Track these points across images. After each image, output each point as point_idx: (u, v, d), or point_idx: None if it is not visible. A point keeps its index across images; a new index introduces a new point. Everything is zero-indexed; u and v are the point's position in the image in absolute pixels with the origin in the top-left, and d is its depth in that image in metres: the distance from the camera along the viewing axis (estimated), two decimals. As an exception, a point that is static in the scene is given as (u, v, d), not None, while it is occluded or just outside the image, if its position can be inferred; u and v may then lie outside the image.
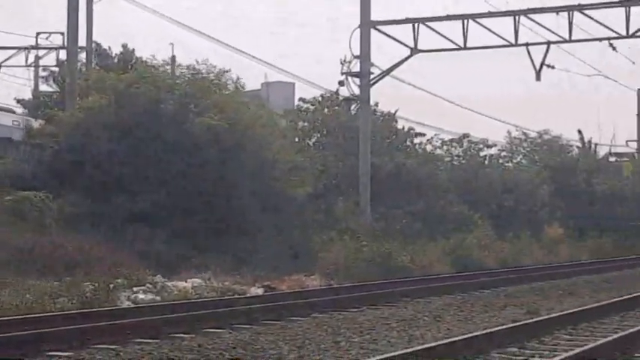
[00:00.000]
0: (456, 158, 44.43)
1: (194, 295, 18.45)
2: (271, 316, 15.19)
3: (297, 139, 34.02)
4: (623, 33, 30.13)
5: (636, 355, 11.72)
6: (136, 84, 24.55)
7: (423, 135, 43.13)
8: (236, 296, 18.42)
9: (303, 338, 12.60)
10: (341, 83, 31.86)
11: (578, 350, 11.02)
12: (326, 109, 37.95)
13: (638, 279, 26.43)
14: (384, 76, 31.84)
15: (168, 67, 29.34)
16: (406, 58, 31.80)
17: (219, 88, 26.67)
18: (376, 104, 37.17)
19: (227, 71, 27.42)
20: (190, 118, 24.42)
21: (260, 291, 19.82)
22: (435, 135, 44.70)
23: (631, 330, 13.47)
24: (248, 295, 19.00)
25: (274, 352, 11.36)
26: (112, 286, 17.21)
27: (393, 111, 40.36)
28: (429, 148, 43.27)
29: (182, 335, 12.89)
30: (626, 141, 55.60)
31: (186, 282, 19.74)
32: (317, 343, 12.13)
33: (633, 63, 45.96)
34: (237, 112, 25.64)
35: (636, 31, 29.98)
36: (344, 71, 31.31)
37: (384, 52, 34.47)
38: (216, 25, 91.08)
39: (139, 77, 25.06)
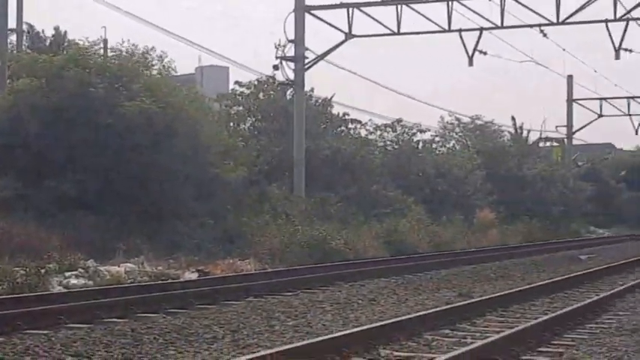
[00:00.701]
0: (389, 143, 44.73)
1: (127, 280, 18.30)
2: (205, 301, 15.14)
3: (231, 124, 33.90)
4: (554, 20, 30.58)
5: (565, 336, 11.95)
6: (67, 67, 24.19)
7: (359, 122, 43.38)
8: (170, 281, 18.31)
9: (237, 322, 12.59)
10: (276, 67, 31.82)
11: (508, 332, 11.20)
12: (261, 94, 37.86)
13: (566, 261, 26.92)
14: (318, 61, 31.89)
15: (101, 49, 28.93)
16: (340, 43, 31.90)
17: (146, 67, 26.37)
18: (311, 90, 37.22)
19: (151, 49, 27.07)
20: (122, 101, 24.16)
21: (194, 275, 19.73)
22: (370, 120, 44.96)
23: (560, 311, 13.73)
24: (182, 279, 18.90)
25: (209, 336, 11.34)
26: (43, 271, 16.96)
27: (329, 96, 40.49)
28: (363, 132, 43.49)
29: (115, 320, 12.79)
30: (556, 126, 56.54)
31: (119, 267, 19.56)
32: (251, 327, 12.13)
33: (563, 50, 46.75)
34: (170, 95, 25.43)
35: (566, 18, 30.45)
36: (279, 55, 31.26)
37: (320, 37, 34.52)
38: (151, 10, 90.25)
39: (70, 60, 24.69)
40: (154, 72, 26.82)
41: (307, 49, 31.42)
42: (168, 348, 10.46)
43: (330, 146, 34.71)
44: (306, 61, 31.62)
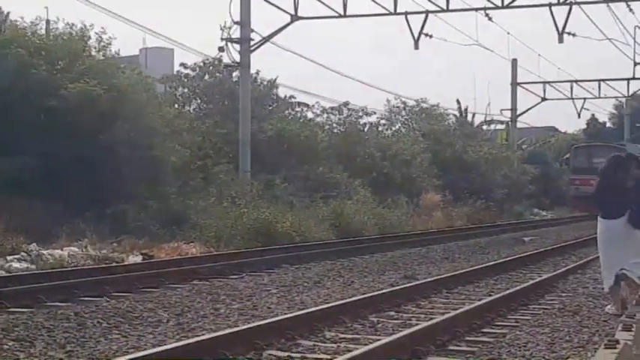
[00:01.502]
0: (335, 126, 44.79)
1: (70, 264, 18.09)
2: (150, 284, 15.04)
3: (176, 106, 33.63)
4: (499, 4, 30.78)
5: (509, 317, 12.08)
6: (7, 47, 23.77)
7: (306, 105, 43.39)
8: (114, 264, 18.15)
9: (182, 305, 12.53)
10: (221, 49, 31.58)
11: (453, 313, 11.28)
12: (207, 76, 37.65)
13: (509, 243, 27.21)
14: (264, 43, 31.72)
15: (42, 29, 28.44)
16: (286, 25, 31.78)
17: (84, 43, 25.97)
18: (257, 72, 37.10)
19: (90, 26, 26.62)
20: (65, 83, 23.81)
21: (138, 259, 19.58)
22: (316, 103, 44.99)
23: (504, 293, 13.87)
24: (126, 263, 18.74)
25: (153, 319, 11.26)
26: (-17, 255, 16.72)
27: (277, 78, 40.42)
28: (309, 115, 43.50)
29: (58, 304, 12.65)
30: (501, 110, 57.04)
31: (62, 250, 19.33)
32: (196, 310, 12.08)
33: (508, 33, 47.14)
34: (113, 76, 25.13)
35: (511, 2, 30.66)
36: (224, 37, 31.04)
37: (267, 19, 34.35)
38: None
39: (10, 40, 24.26)
40: (96, 53, 26.43)
41: (253, 30, 31.25)
42: (112, 332, 10.38)
43: (274, 127, 34.64)
44: (252, 43, 31.45)
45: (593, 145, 56.20)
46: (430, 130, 50.33)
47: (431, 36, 32.95)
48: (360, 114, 45.47)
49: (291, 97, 41.96)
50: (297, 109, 42.68)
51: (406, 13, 31.56)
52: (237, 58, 31.35)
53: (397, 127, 54.26)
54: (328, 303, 12.43)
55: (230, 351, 8.88)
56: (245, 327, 10.01)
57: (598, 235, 12.22)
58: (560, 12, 31.27)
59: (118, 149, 24.44)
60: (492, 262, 19.64)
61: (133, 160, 24.82)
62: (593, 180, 51.07)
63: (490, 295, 13.84)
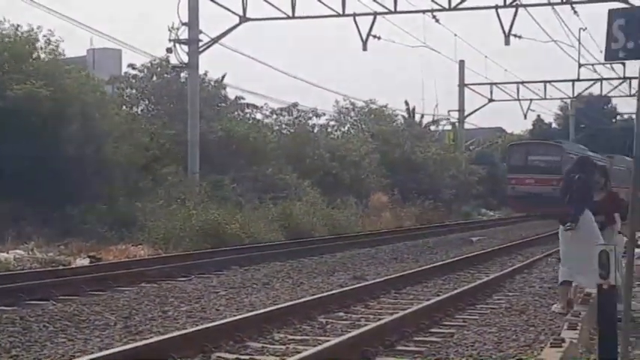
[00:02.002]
0: (285, 127, 44.76)
1: (16, 267, 17.86)
2: (97, 287, 14.90)
3: (124, 107, 33.37)
4: (446, 5, 30.99)
5: (457, 316, 12.16)
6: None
7: (255, 106, 43.29)
8: (61, 267, 17.96)
9: (130, 308, 12.44)
10: (169, 50, 31.41)
11: (401, 313, 11.33)
12: (155, 77, 37.40)
13: (457, 243, 27.40)
14: (212, 44, 31.61)
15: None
16: (235, 27, 31.69)
17: (31, 44, 25.67)
18: (205, 73, 36.94)
19: (37, 29, 26.30)
20: (10, 84, 23.51)
21: (86, 261, 19.38)
22: (265, 104, 44.93)
23: (451, 293, 13.97)
24: (73, 265, 18.55)
25: (100, 323, 11.17)
26: None
27: (225, 79, 40.29)
28: (258, 116, 43.41)
29: (3, 308, 12.48)
30: (448, 111, 57.46)
31: (7, 253, 19.07)
32: (144, 313, 12.00)
33: (455, 35, 47.51)
34: (60, 78, 24.85)
35: (458, 4, 30.88)
36: (172, 38, 30.87)
37: (216, 20, 34.19)
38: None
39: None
40: (43, 54, 26.15)
41: (201, 32, 31.13)
42: (58, 336, 10.27)
43: (223, 128, 34.51)
44: (201, 44, 31.33)
45: (529, 142, 55.60)
46: (379, 130, 50.54)
47: (379, 37, 33.10)
48: (310, 115, 45.52)
49: (241, 98, 41.87)
50: (247, 110, 42.59)
51: (354, 15, 31.65)
52: (186, 59, 31.22)
53: (346, 128, 54.40)
54: (277, 304, 12.43)
55: (178, 354, 8.83)
56: (193, 329, 9.97)
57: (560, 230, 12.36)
58: (507, 14, 31.53)
59: (66, 151, 24.18)
60: (440, 262, 19.77)
61: (80, 162, 24.57)
62: (529, 179, 44.53)
63: (438, 295, 13.93)
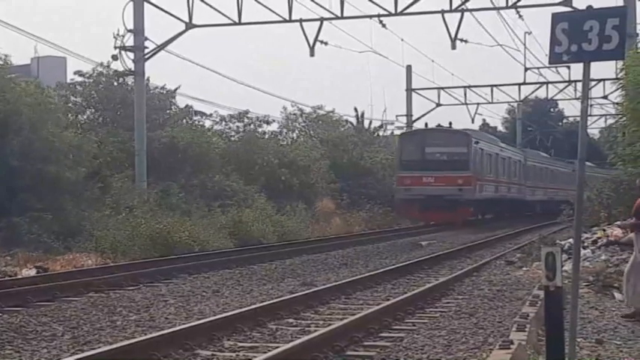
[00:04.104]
0: (234, 134, 44.71)
1: (-40, 279, 17.55)
2: (44, 297, 14.69)
3: (69, 115, 33.02)
4: (392, 10, 31.15)
5: (407, 320, 12.19)
6: None
7: (203, 113, 43.21)
8: (6, 278, 17.67)
9: (77, 318, 12.29)
10: (114, 57, 31.17)
11: (351, 319, 11.33)
12: (101, 84, 37.13)
13: (407, 248, 27.49)
14: (158, 51, 31.45)
15: None
16: (181, 33, 31.56)
17: None
18: (147, 79, 36.72)
19: None
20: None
21: (32, 272, 19.10)
22: (215, 111, 44.89)
23: (401, 297, 14.00)
24: (19, 276, 18.27)
25: (48, 334, 11.02)
26: None
27: (175, 87, 40.20)
28: (208, 123, 43.34)
29: (-53, 321, 12.25)
30: (396, 115, 57.61)
31: (-49, 265, 18.75)
32: (92, 323, 11.86)
33: (402, 40, 47.77)
34: (4, 88, 24.53)
35: (404, 9, 31.05)
36: (118, 45, 30.64)
37: (163, 27, 34.03)
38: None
39: None
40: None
41: (147, 38, 30.95)
42: (4, 347, 10.11)
43: (169, 135, 34.34)
44: (147, 51, 31.15)
45: (426, 130, 44.04)
46: (328, 136, 50.65)
47: (326, 43, 33.16)
48: (260, 122, 45.52)
49: (190, 107, 41.77)
50: (195, 117, 42.49)
51: (301, 20, 31.68)
52: (132, 65, 31.01)
53: (295, 134, 54.49)
54: (227, 312, 12.36)
55: (127, 364, 8.74)
56: (142, 338, 9.87)
57: None
58: (453, 19, 31.78)
59: (11, 161, 23.85)
60: (390, 267, 19.81)
61: (26, 172, 24.25)
62: (428, 177, 39.58)
63: (388, 300, 13.96)
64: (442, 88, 51.10)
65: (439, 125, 44.48)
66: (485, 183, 42.71)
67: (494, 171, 44.90)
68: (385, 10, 31.25)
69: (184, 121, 40.00)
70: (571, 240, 16.61)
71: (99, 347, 9.68)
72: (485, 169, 43.13)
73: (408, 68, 52.43)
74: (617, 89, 23.63)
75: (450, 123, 44.41)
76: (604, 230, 18.90)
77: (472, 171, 40.29)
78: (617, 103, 25.29)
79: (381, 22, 32.78)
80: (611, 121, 48.83)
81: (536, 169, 55.74)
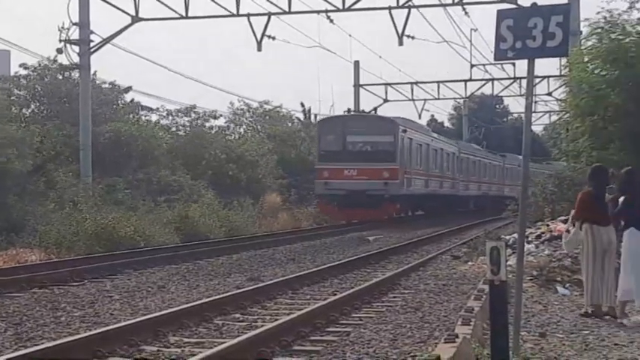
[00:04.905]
0: (181, 128, 44.50)
1: None
2: (-14, 294, 14.48)
3: (12, 109, 32.57)
4: (340, 6, 31.18)
5: (353, 315, 12.22)
6: None
7: (150, 108, 42.92)
8: (-52, 274, 17.39)
9: (20, 315, 12.13)
10: (59, 51, 30.86)
11: (298, 313, 11.33)
12: (46, 78, 36.69)
13: (353, 243, 27.56)
14: (104, 45, 31.17)
15: None
16: (127, 27, 31.30)
17: None
18: (94, 73, 36.39)
19: None
20: None
21: (-26, 268, 18.83)
22: (162, 106, 44.62)
23: (348, 292, 14.04)
24: (-39, 272, 17.99)
25: (-11, 330, 10.85)
26: None
27: (123, 81, 39.91)
28: (154, 118, 43.07)
29: None
30: (344, 111, 57.73)
31: None
32: (35, 319, 11.71)
33: (350, 36, 47.83)
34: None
35: (352, 5, 31.10)
36: (63, 39, 30.31)
37: (111, 21, 33.74)
38: None
39: None
40: None
41: (92, 32, 30.64)
42: (-56, 345, 9.93)
43: (114, 130, 34.06)
44: (92, 44, 30.84)
45: (346, 116, 39.33)
46: (275, 131, 50.61)
47: (274, 38, 33.12)
48: (207, 117, 45.37)
49: (138, 102, 41.48)
50: (142, 112, 42.20)
51: (248, 15, 31.59)
52: (77, 58, 30.71)
53: (242, 129, 54.38)
54: (172, 307, 12.28)
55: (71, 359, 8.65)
56: (86, 334, 9.78)
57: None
58: (400, 15, 31.91)
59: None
60: (337, 262, 19.85)
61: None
62: (349, 169, 36.09)
63: (335, 295, 13.98)
64: (389, 84, 51.28)
65: (362, 111, 41.29)
66: (414, 176, 39.04)
67: (424, 163, 41.33)
68: (333, 5, 31.29)
69: (131, 116, 39.69)
70: (515, 235, 16.79)
71: (42, 343, 9.57)
72: (415, 160, 39.37)
73: (356, 64, 52.53)
74: (561, 86, 23.90)
75: (375, 109, 41.69)
76: (548, 225, 19.11)
77: (399, 163, 36.58)
78: (560, 100, 25.56)
79: (328, 17, 32.85)
80: (554, 117, 49.34)
81: (470, 162, 52.93)
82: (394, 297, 14.28)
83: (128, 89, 39.57)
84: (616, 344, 9.62)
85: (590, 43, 18.64)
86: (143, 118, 41.57)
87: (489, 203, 54.57)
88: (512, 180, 61.17)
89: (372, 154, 36.80)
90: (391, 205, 37.07)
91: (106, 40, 31.16)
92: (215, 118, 47.15)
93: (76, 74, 33.73)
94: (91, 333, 9.82)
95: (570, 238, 12.19)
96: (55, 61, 34.95)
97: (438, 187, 44.61)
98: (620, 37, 17.78)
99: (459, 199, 50.48)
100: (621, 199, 11.77)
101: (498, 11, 8.62)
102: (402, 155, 37.05)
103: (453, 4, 32.08)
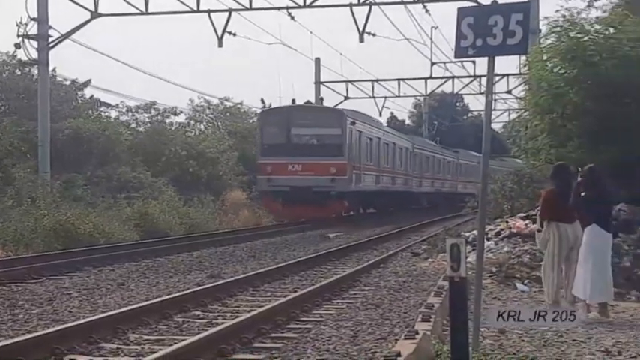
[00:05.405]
0: (141, 125, 44.27)
1: None
2: (-58, 291, 14.30)
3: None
4: (301, 3, 31.16)
5: (314, 312, 12.22)
6: None
7: (109, 104, 42.65)
8: None
9: (-23, 312, 11.99)
10: (18, 46, 30.59)
11: (258, 310, 11.31)
12: (4, 73, 36.35)
13: (314, 240, 27.57)
14: (63, 40, 30.90)
15: None
16: (86, 22, 31.04)
17: None
18: (54, 69, 36.10)
19: None
20: None
21: None
22: (121, 102, 44.33)
23: (309, 288, 14.04)
24: None
25: (-55, 328, 10.71)
26: None
27: (82, 77, 39.61)
28: (114, 114, 42.80)
29: None
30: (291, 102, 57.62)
31: None
32: (-7, 317, 11.59)
33: (311, 32, 47.85)
34: None
35: (313, 1, 31.09)
36: (21, 34, 30.01)
37: (72, 16, 33.49)
38: None
39: None
40: None
41: (51, 27, 30.37)
42: None
43: (73, 126, 33.78)
44: (51, 40, 30.56)
45: (290, 107, 36.69)
46: (236, 128, 50.49)
47: (235, 34, 33.01)
48: (167, 113, 45.16)
49: (97, 99, 41.21)
50: (101, 108, 41.94)
51: (209, 11, 31.48)
52: (36, 55, 30.42)
53: (203, 125, 54.21)
54: (132, 304, 12.21)
55: (29, 357, 8.56)
56: (44, 332, 9.69)
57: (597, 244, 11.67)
58: (361, 12, 31.97)
59: None
60: (298, 259, 19.85)
61: None
62: (293, 164, 33.65)
63: (295, 292, 13.98)
64: (350, 81, 51.31)
65: (307, 102, 38.47)
66: (364, 172, 36.87)
67: (375, 158, 39.21)
68: (294, 2, 31.27)
69: (90, 112, 39.41)
70: (475, 232, 16.90)
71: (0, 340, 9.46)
72: (365, 155, 37.22)
73: (317, 61, 52.54)
74: (521, 84, 24.10)
75: (322, 98, 38.75)
76: (507, 222, 19.24)
77: (348, 157, 34.39)
78: (520, 98, 25.74)
79: (289, 14, 32.80)
80: (514, 115, 49.65)
81: (424, 158, 51.45)
82: (355, 294, 14.31)
83: (87, 83, 39.28)
84: (574, 340, 9.71)
85: (549, 41, 18.75)
86: (103, 114, 41.32)
87: (442, 201, 54.53)
88: (465, 177, 61.15)
89: (318, 148, 34.58)
90: (339, 203, 35.02)
91: (65, 36, 30.90)
92: (175, 114, 47.00)
93: (34, 70, 33.42)
94: (50, 330, 9.73)
95: (543, 237, 12.28)
96: (13, 56, 34.62)
97: (390, 183, 42.91)
98: (579, 35, 17.92)
99: (413, 196, 48.99)
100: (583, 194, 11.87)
101: (459, 9, 8.66)
102: (351, 149, 34.94)
103: (414, 1, 32.16)
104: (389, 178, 42.42)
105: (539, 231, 12.44)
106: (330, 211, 34.88)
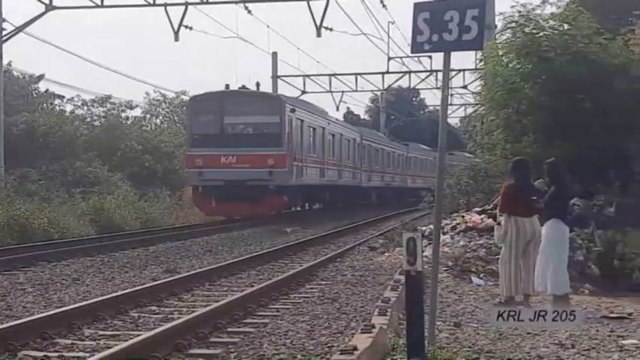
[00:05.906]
0: (97, 119, 43.90)
1: None
2: None
3: None
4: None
5: (271, 306, 12.22)
6: None
7: (62, 97, 42.23)
8: None
9: None
10: (-30, 39, 30.16)
11: (215, 305, 11.28)
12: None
13: (271, 235, 27.53)
14: (16, 33, 30.59)
15: None
16: (41, 15, 30.74)
17: None
18: (9, 63, 35.67)
19: None
20: None
21: None
22: (77, 95, 43.92)
23: (265, 283, 14.02)
24: None
25: None
26: None
27: (37, 71, 39.18)
28: (69, 108, 42.40)
29: None
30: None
31: None
32: (-55, 313, 11.43)
33: (268, 27, 47.78)
34: None
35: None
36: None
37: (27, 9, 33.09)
38: None
39: None
40: None
41: (5, 20, 30.02)
42: None
43: (27, 120, 33.41)
44: (5, 33, 30.21)
45: (223, 93, 32.85)
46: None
47: (191, 28, 32.85)
48: (123, 107, 44.83)
49: (52, 92, 40.78)
50: (56, 102, 41.53)
51: (165, 5, 31.33)
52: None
53: (159, 119, 53.91)
54: (87, 300, 12.11)
55: (-19, 354, 8.47)
56: (-2, 328, 9.58)
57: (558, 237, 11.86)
58: (318, 7, 32.01)
59: None
60: (255, 254, 19.82)
61: None
62: (227, 155, 30.13)
63: (252, 286, 13.95)
64: (307, 76, 51.29)
65: (243, 87, 34.14)
66: (306, 164, 34.26)
67: (319, 150, 36.58)
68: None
69: (45, 105, 39.02)
70: (431, 226, 16.98)
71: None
72: (307, 146, 34.63)
73: (274, 55, 52.45)
74: (477, 79, 24.24)
75: (258, 84, 35.21)
76: (463, 216, 19.37)
77: (287, 148, 31.60)
78: (476, 93, 25.94)
79: (246, 8, 32.72)
80: (470, 110, 49.98)
81: (373, 150, 49.10)
82: (311, 288, 14.31)
83: (41, 77, 38.88)
84: (529, 333, 9.79)
85: (504, 37, 18.91)
86: (57, 107, 40.92)
87: (393, 195, 54.28)
88: (415, 171, 60.99)
89: (254, 138, 31.74)
90: (277, 198, 31.99)
91: (19, 29, 30.58)
92: (131, 108, 46.70)
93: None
94: (3, 326, 9.62)
95: (502, 231, 12.33)
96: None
97: (337, 177, 40.21)
98: (534, 31, 18.08)
99: (361, 190, 46.70)
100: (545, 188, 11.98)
101: (415, 4, 8.69)
102: (291, 139, 32.08)
103: (371, -4, 32.25)
104: (335, 171, 39.83)
105: (498, 224, 12.51)
106: (268, 207, 31.98)
